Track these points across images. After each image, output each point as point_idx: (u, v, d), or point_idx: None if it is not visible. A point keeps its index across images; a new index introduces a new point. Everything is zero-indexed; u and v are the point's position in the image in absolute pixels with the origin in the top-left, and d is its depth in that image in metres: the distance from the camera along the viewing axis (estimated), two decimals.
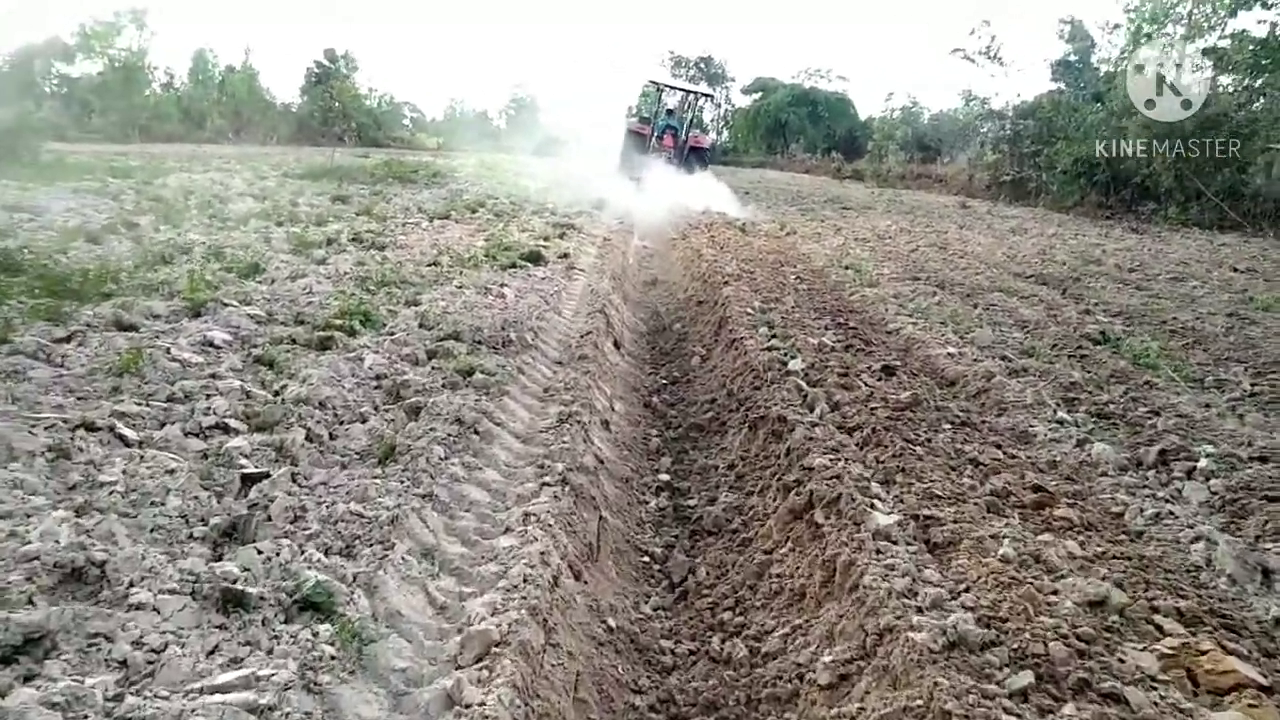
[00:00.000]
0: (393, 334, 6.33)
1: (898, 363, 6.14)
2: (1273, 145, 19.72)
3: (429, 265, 9.49)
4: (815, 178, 45.87)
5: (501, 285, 8.67)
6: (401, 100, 57.93)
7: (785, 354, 6.17)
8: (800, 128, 65.46)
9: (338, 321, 6.40)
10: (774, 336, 6.75)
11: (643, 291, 11.09)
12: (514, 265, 9.72)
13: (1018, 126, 27.83)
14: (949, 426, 4.76)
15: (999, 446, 4.47)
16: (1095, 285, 9.61)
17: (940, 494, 3.63)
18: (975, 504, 3.57)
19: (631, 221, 17.55)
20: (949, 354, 6.30)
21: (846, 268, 10.39)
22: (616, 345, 7.48)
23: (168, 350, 5.42)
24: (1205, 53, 24.85)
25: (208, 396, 4.67)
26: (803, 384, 5.42)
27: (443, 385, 5.28)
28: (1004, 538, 3.16)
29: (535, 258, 10.45)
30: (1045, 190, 25.91)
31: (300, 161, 23.96)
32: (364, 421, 4.66)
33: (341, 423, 4.67)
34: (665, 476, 5.14)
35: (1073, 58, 29.99)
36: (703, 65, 73.77)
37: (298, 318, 6.59)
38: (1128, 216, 21.29)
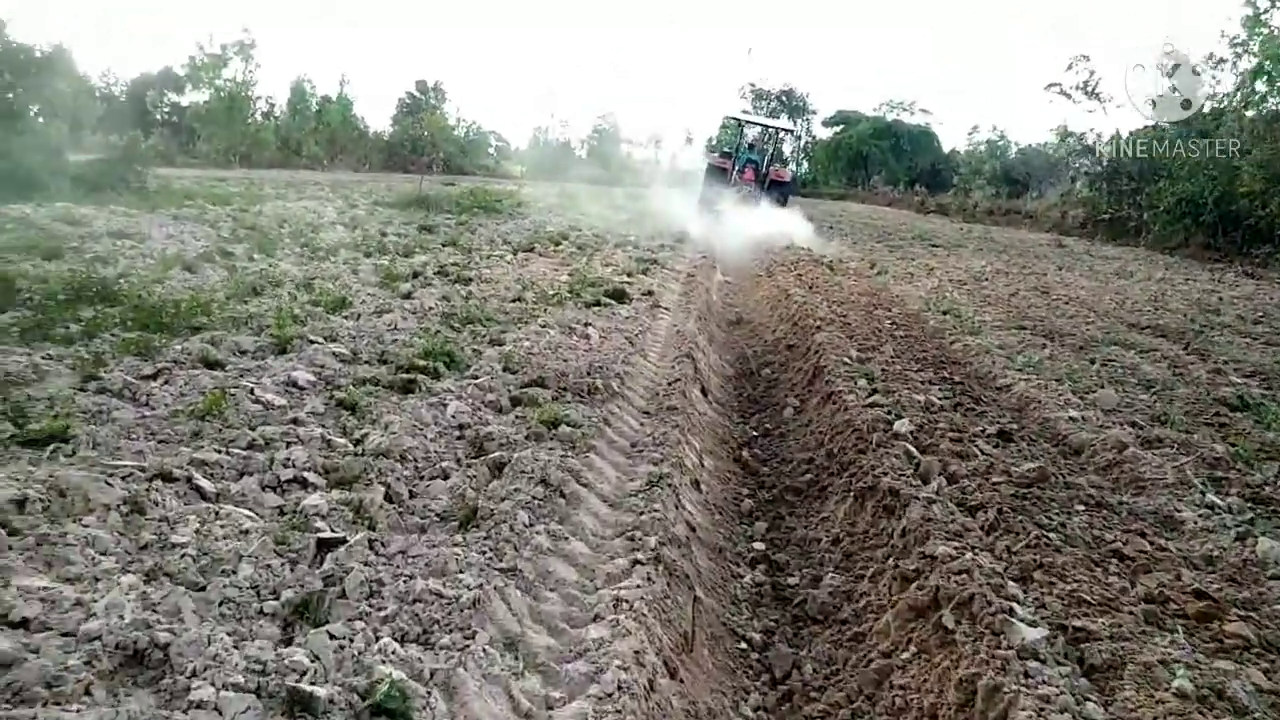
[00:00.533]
0: (476, 378, 6.13)
1: (1014, 425, 5.66)
2: None
3: (513, 301, 9.35)
4: (898, 211, 44.99)
5: (586, 324, 8.45)
6: (488, 129, 59.14)
7: (889, 411, 5.75)
8: (882, 160, 64.55)
9: (421, 362, 6.24)
10: (874, 391, 6.32)
11: (728, 331, 10.74)
12: (598, 303, 9.50)
13: (1116, 164, 26.65)
14: (1083, 508, 4.28)
15: (1144, 535, 3.97)
16: (1220, 339, 8.89)
17: (1088, 598, 3.18)
18: (1130, 612, 3.11)
19: (714, 256, 17.26)
20: (1070, 418, 5.78)
21: (945, 313, 9.87)
22: (704, 392, 7.15)
23: (251, 391, 5.31)
24: None
25: (288, 444, 4.51)
26: (912, 449, 4.99)
27: (527, 437, 5.03)
28: (1175, 663, 2.71)
29: (619, 295, 10.22)
30: (1146, 230, 24.73)
31: (390, 189, 24.45)
32: (446, 478, 4.42)
33: (422, 478, 4.45)
34: (760, 546, 4.77)
35: (1175, 93, 28.66)
36: (784, 98, 73.47)
37: (382, 356, 6.46)
38: (1239, 260, 20.08)
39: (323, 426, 4.94)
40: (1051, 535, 3.86)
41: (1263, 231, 19.96)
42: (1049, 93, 27.26)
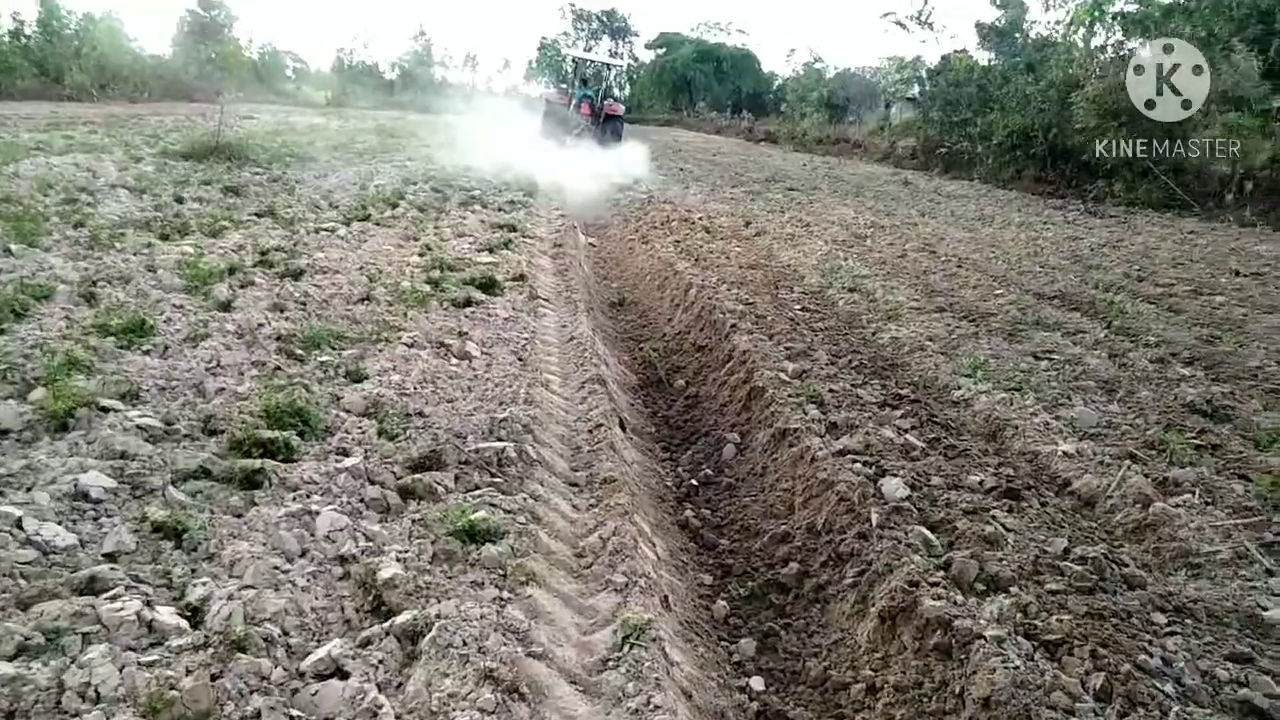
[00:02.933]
0: (344, 454, 4.65)
1: (1008, 471, 4.83)
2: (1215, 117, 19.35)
3: (362, 302, 7.69)
4: (729, 140, 44.70)
5: (462, 335, 6.98)
6: (283, 49, 53.67)
7: (868, 463, 4.78)
8: (706, 84, 64.12)
9: (266, 433, 4.65)
10: (832, 425, 5.34)
11: (613, 318, 9.51)
12: (469, 301, 7.99)
13: (950, 94, 27.00)
14: (1163, 618, 3.46)
15: (1252, 660, 3.19)
16: (1128, 309, 8.56)
17: None
18: None
19: (569, 208, 15.83)
20: (1063, 453, 5.02)
21: (851, 290, 9.05)
22: (623, 426, 5.95)
23: (19, 524, 3.64)
24: (1115, 17, 24.51)
25: (85, 644, 2.97)
26: (928, 534, 4.03)
27: (440, 573, 3.67)
28: None
29: (490, 285, 8.72)
30: (980, 162, 25.27)
31: (179, 129, 21.10)
32: (341, 675, 3.03)
33: (304, 676, 3.04)
34: (758, 684, 3.70)
35: (1002, 23, 29.33)
36: (605, 19, 71.26)
37: (207, 424, 4.81)
38: (1070, 194, 20.76)
39: (137, 583, 3.39)
40: (1166, 687, 3.00)
41: (1092, 166, 20.62)
42: (884, 21, 27.17)
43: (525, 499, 4.36)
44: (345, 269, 8.83)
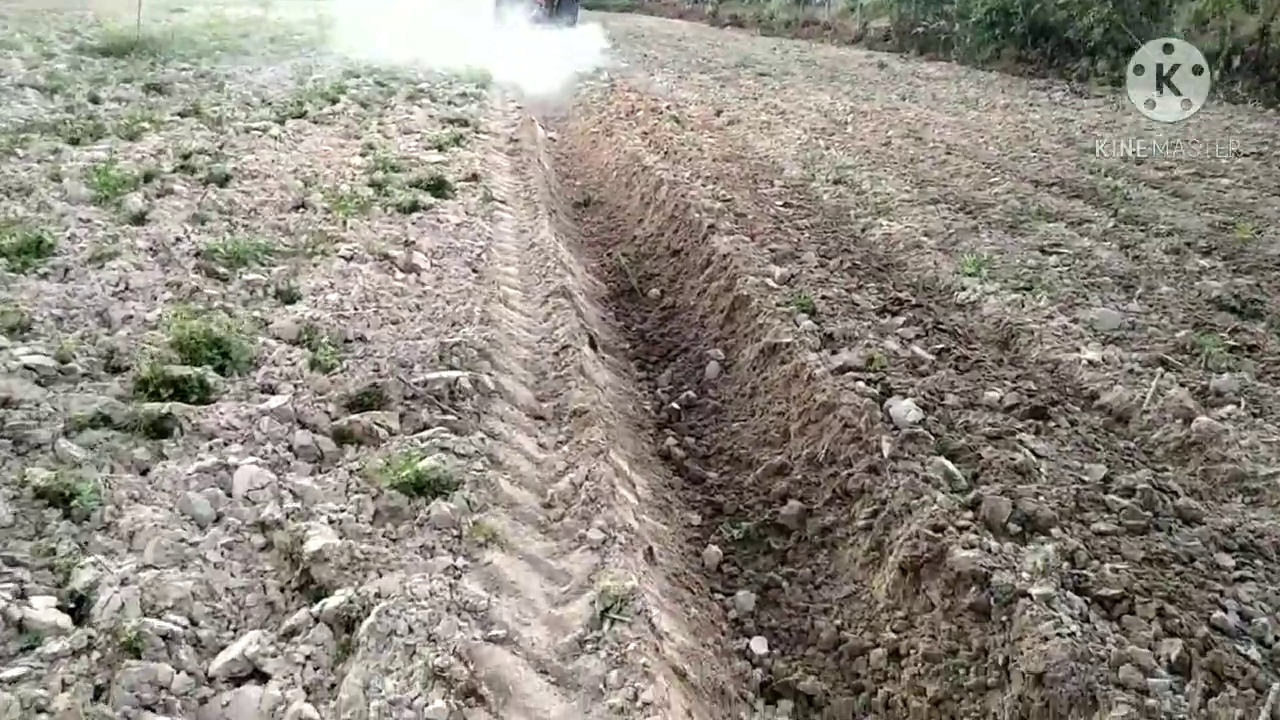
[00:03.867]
0: (270, 390, 3.99)
1: (1030, 384, 4.28)
2: None
3: (296, 209, 6.89)
4: (692, 24, 42.58)
5: (407, 245, 6.24)
6: None
7: (872, 381, 4.21)
8: None
9: (177, 370, 3.97)
10: (829, 339, 4.75)
11: (578, 221, 8.75)
12: (415, 206, 7.18)
13: None
14: (1230, 559, 2.97)
15: None
16: (1132, 195, 7.96)
17: None
18: None
19: (526, 99, 14.75)
20: (1088, 361, 4.48)
21: (836, 183, 8.35)
22: (593, 344, 5.32)
23: None
24: None
25: None
26: (949, 465, 3.50)
27: (381, 537, 3.08)
28: None
29: (439, 186, 7.89)
30: (957, 42, 24.12)
31: (100, 23, 19.34)
32: (260, 677, 2.46)
33: (211, 680, 2.47)
34: (760, 648, 3.20)
35: None
36: None
37: (110, 360, 4.12)
38: (1051, 73, 19.88)
39: (10, 568, 2.77)
40: (1251, 652, 2.52)
41: (1074, 44, 19.67)
42: None
43: (483, 439, 3.75)
44: (277, 173, 7.95)
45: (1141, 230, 6.88)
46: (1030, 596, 2.70)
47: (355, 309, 5.08)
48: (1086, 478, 3.46)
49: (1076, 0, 18.53)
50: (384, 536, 3.14)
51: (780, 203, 7.59)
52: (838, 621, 3.17)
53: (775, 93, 15.13)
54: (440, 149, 9.51)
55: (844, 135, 10.89)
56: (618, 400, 4.84)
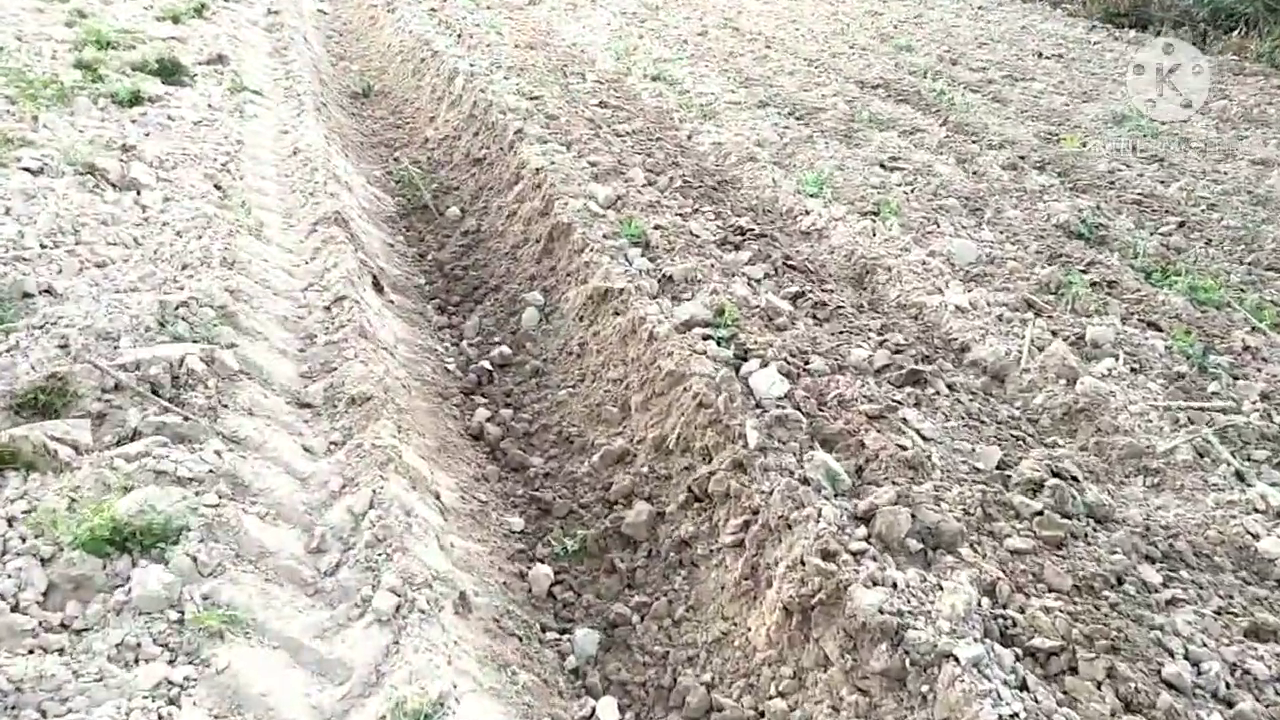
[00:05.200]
0: None
1: (899, 337, 3.73)
2: None
3: None
4: None
5: (126, 152, 4.82)
6: None
7: (722, 342, 3.50)
8: None
9: None
10: (668, 282, 3.97)
11: (356, 116, 7.35)
12: (137, 98, 5.61)
13: None
14: (1154, 572, 2.56)
15: (1276, 634, 2.38)
16: (956, 101, 7.60)
17: None
18: None
19: None
20: (954, 308, 4.00)
21: (655, 79, 7.43)
22: (378, 286, 4.25)
23: None
24: None
25: None
26: (830, 462, 2.87)
27: (58, 625, 2.06)
28: None
29: (172, 71, 6.27)
30: None
31: None
32: None
33: None
34: (609, 715, 2.49)
35: None
36: None
37: None
38: None
39: None
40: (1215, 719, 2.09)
41: None
42: None
43: (220, 451, 2.72)
44: None
45: (974, 142, 6.53)
46: (956, 659, 2.13)
47: (41, 247, 3.74)
48: (981, 465, 2.95)
49: None
50: (62, 628, 2.12)
51: (595, 102, 6.61)
52: (707, 677, 2.51)
53: None
54: (175, 20, 7.67)
55: (657, 22, 9.89)
56: (412, 361, 3.87)
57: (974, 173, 5.82)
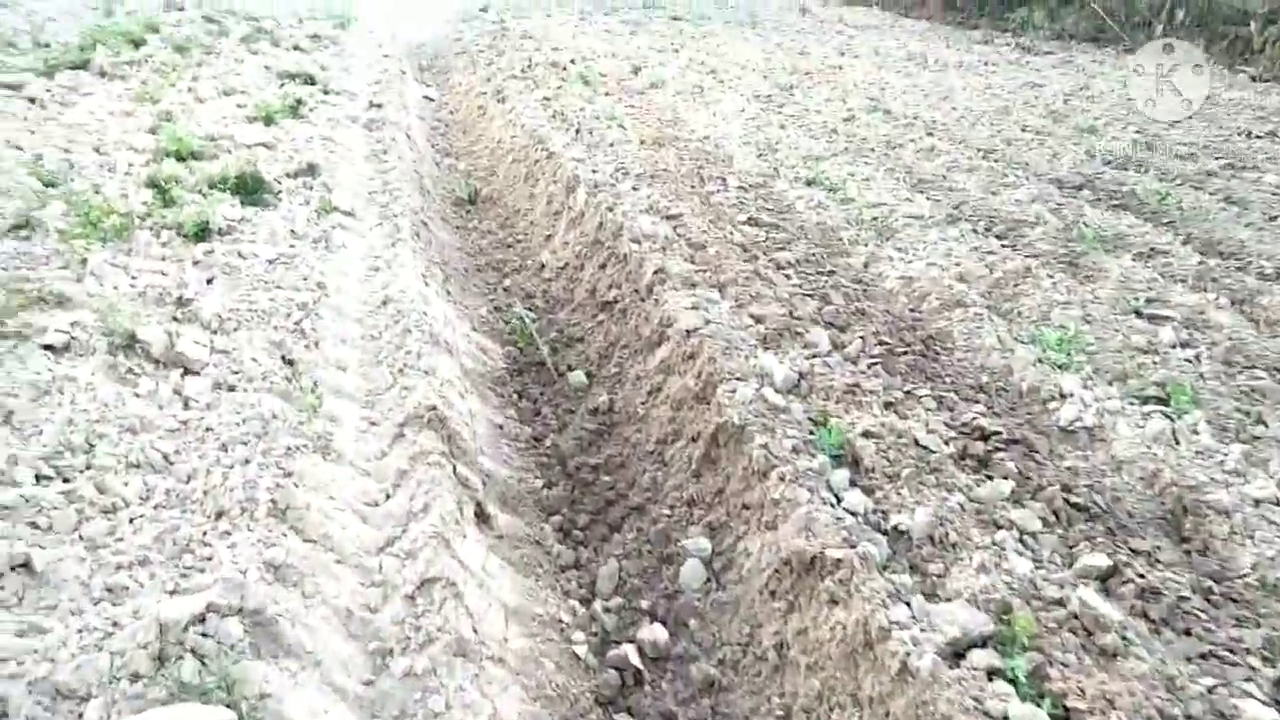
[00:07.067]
0: None
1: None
2: None
3: (16, 233, 4.39)
4: None
5: (180, 306, 3.85)
6: None
7: (1027, 688, 2.18)
8: None
9: None
10: (898, 538, 2.68)
11: (460, 229, 6.36)
12: (205, 228, 4.69)
13: None
14: None
15: None
16: (1186, 204, 6.10)
17: None
18: None
19: (398, 43, 12.02)
20: None
21: (810, 183, 6.22)
22: (482, 516, 3.10)
23: None
24: None
25: None
26: None
27: None
28: None
29: (254, 187, 5.41)
30: None
31: None
32: None
33: None
34: None
35: None
36: None
37: None
38: (983, 22, 18.22)
39: None
40: None
41: None
42: None
43: None
44: (6, 164, 5.31)
45: (1239, 268, 5.05)
46: None
47: (34, 481, 2.72)
48: None
49: None
50: None
51: (743, 218, 5.42)
52: None
53: (696, 43, 12.81)
54: (268, 121, 6.90)
55: (795, 106, 8.73)
56: (526, 657, 2.67)
57: (1266, 321, 4.34)
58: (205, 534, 2.60)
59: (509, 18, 14.18)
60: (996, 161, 7.09)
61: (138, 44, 9.21)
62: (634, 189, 5.70)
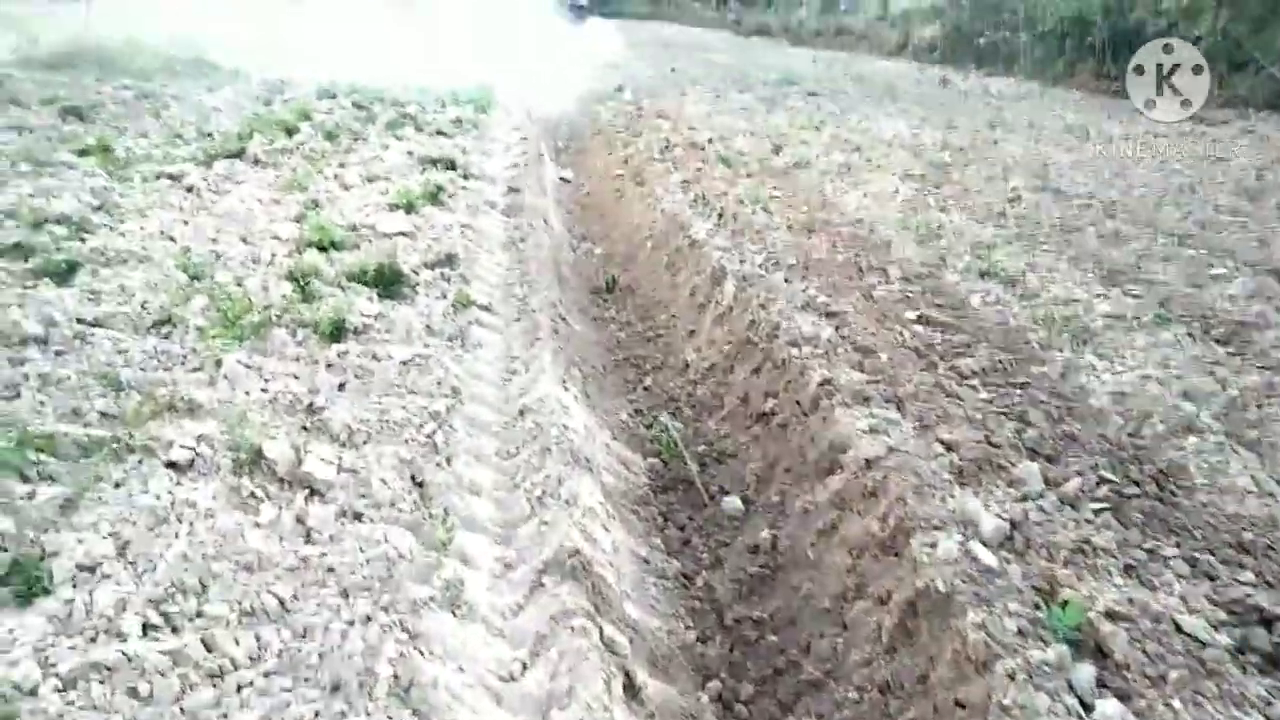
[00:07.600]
0: None
1: None
2: None
3: (158, 330, 4.30)
4: (716, 33, 40.01)
5: (311, 415, 3.59)
6: None
7: None
8: None
9: None
10: None
11: (598, 322, 6.04)
12: (340, 327, 4.50)
13: None
14: None
15: None
16: None
17: None
18: None
19: (534, 124, 12.10)
20: None
21: (983, 274, 5.61)
22: (631, 688, 2.63)
23: None
24: None
25: None
26: None
27: None
28: None
29: (392, 280, 5.24)
30: (1024, 54, 21.34)
31: (61, 29, 16.71)
32: None
33: None
34: None
35: None
36: None
37: None
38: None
39: None
40: None
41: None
42: None
43: None
44: (159, 256, 5.33)
45: None
46: None
47: (141, 634, 2.42)
48: None
49: (1179, 7, 15.79)
50: None
51: (912, 316, 4.86)
52: None
53: (836, 119, 12.39)
54: (409, 209, 6.82)
55: (952, 185, 8.14)
56: None
57: None
58: (318, 714, 2.21)
59: (645, 97, 14.19)
60: (1193, 248, 6.28)
61: (291, 131, 9.48)
62: (786, 281, 5.23)
